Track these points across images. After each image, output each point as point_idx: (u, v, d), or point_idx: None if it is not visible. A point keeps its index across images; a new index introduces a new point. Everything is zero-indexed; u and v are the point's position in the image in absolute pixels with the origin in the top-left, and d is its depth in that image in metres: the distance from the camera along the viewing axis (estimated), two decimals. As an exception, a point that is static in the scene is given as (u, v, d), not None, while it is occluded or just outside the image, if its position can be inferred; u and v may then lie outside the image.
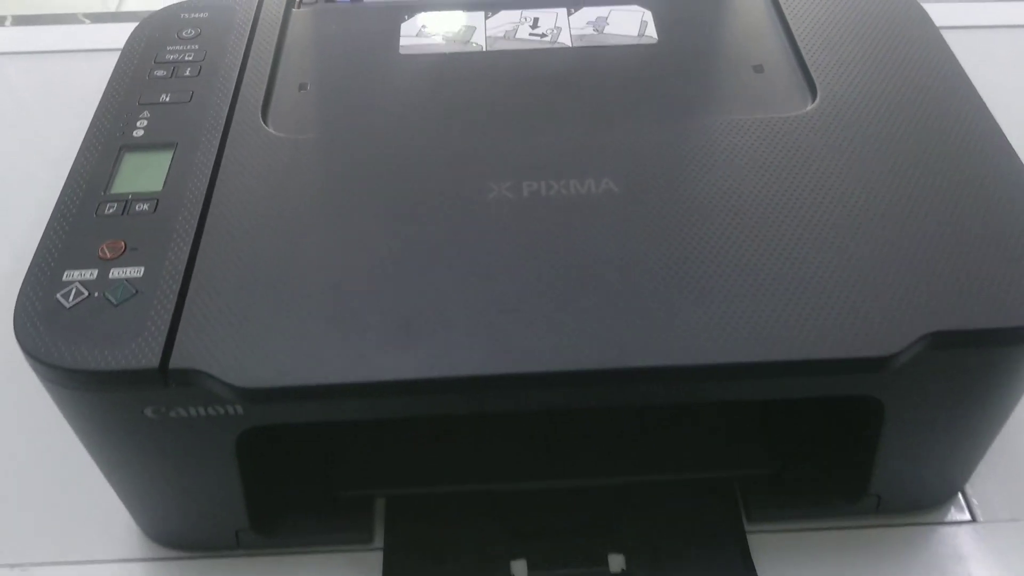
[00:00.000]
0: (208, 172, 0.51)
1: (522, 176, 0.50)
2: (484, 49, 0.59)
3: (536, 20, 0.61)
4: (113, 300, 0.45)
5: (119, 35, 0.62)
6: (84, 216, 0.49)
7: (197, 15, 0.62)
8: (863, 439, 0.51)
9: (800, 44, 0.58)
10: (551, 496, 0.56)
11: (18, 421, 0.61)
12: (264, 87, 0.57)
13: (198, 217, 0.49)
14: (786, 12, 0.61)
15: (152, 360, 0.42)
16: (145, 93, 0.56)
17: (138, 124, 0.54)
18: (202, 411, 0.44)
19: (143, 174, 0.52)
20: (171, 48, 0.59)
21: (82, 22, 0.96)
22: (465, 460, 0.57)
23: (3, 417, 0.62)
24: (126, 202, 0.50)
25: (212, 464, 0.48)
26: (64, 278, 0.46)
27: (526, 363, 0.42)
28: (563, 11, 0.62)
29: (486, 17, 0.62)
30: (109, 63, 0.59)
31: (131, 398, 0.43)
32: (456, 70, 0.58)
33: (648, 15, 0.61)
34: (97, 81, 0.58)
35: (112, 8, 0.88)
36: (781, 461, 0.56)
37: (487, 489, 0.56)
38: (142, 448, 0.47)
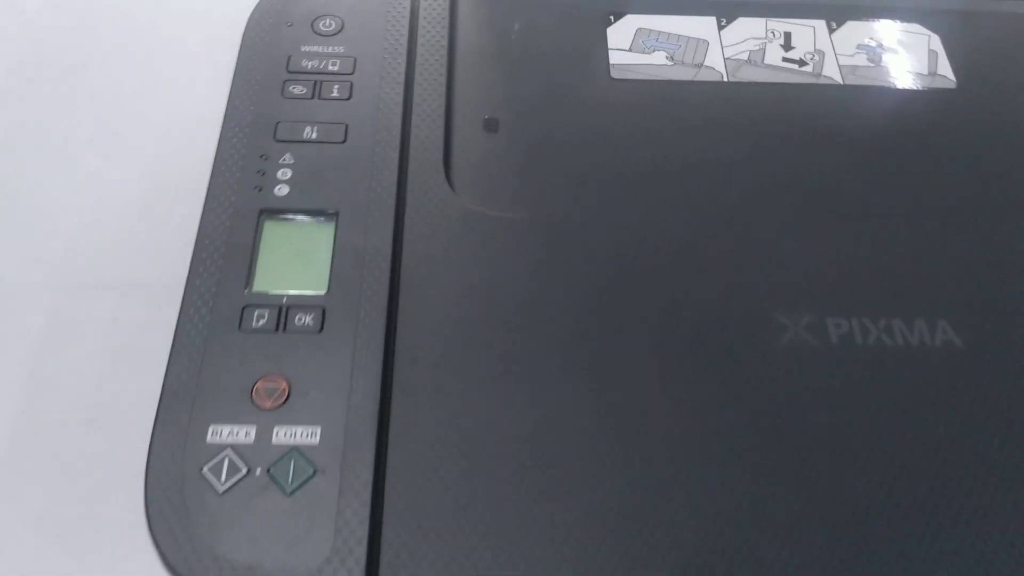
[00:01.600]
0: (386, 267, 0.37)
1: (824, 308, 0.37)
2: (724, 78, 0.45)
3: (788, 37, 0.46)
4: (284, 485, 0.32)
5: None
6: (223, 326, 0.35)
7: (336, -4, 0.46)
8: None
9: None
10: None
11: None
12: (442, 122, 0.42)
13: (382, 342, 0.35)
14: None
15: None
16: (284, 123, 0.41)
17: (279, 174, 0.40)
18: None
19: (298, 262, 0.38)
20: (307, 49, 0.44)
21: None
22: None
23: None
24: (280, 309, 0.36)
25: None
26: (210, 437, 0.33)
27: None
28: (822, 25, 0.47)
29: (719, 26, 0.47)
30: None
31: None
32: (694, 112, 0.43)
33: (936, 41, 0.47)
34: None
35: None
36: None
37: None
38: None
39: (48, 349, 0.41)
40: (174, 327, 0.36)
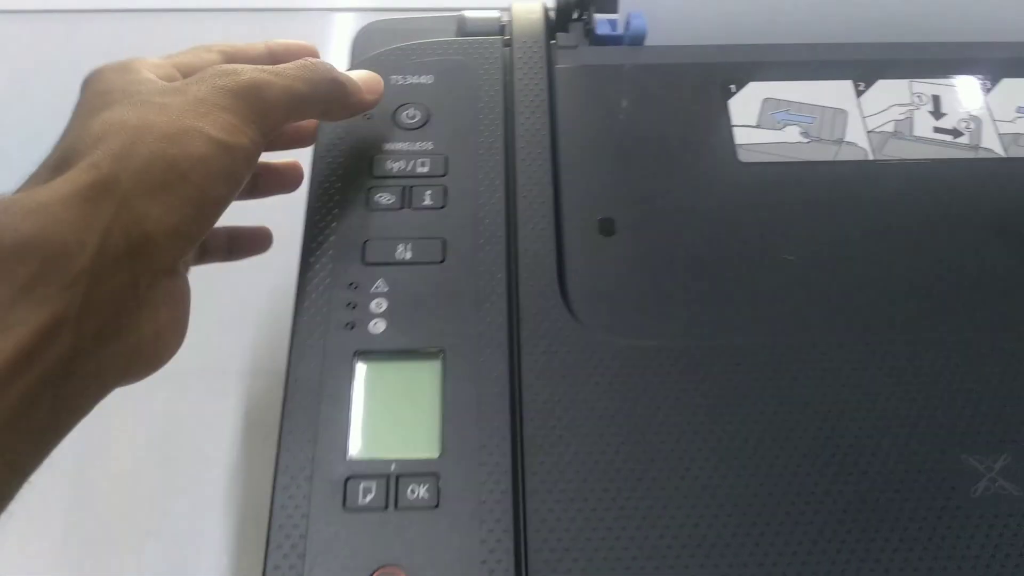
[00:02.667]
0: (506, 416, 0.32)
1: (1021, 448, 0.31)
2: (869, 156, 0.39)
3: (937, 102, 0.40)
4: None
5: None
6: (325, 504, 0.30)
7: (417, 79, 0.40)
8: None
9: None
10: None
11: None
12: (552, 229, 0.36)
13: (511, 517, 0.30)
14: None
15: None
16: (373, 242, 0.36)
17: (373, 306, 0.34)
18: None
19: (403, 417, 0.32)
20: (392, 147, 0.38)
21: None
22: None
23: None
24: (388, 480, 0.31)
25: None
26: (321, 654, 0.28)
27: None
28: (973, 86, 0.41)
29: (857, 91, 0.41)
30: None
31: None
32: (841, 201, 0.37)
33: (1110, 100, 0.40)
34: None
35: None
36: None
37: None
38: None
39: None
40: (270, 501, 0.31)
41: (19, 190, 0.29)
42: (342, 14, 0.61)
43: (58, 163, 0.29)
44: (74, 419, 0.29)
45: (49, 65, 0.57)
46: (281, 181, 0.40)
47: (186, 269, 0.36)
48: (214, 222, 0.32)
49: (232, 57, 0.37)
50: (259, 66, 0.34)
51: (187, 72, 0.34)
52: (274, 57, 0.37)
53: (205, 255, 0.39)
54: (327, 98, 0.35)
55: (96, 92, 0.32)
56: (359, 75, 0.37)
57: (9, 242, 0.26)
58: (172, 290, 0.31)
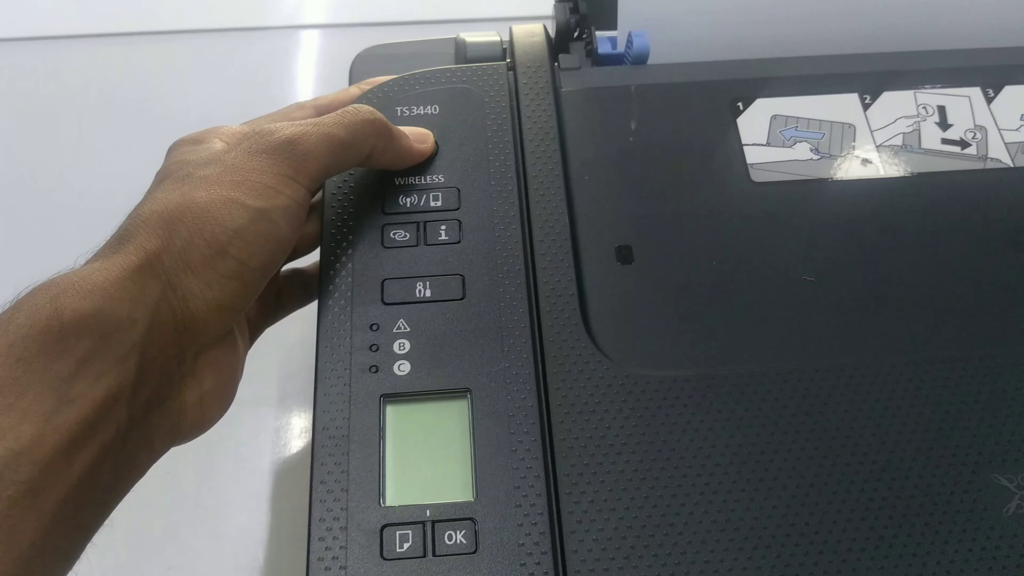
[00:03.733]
0: (539, 460, 0.32)
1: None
2: (880, 172, 0.39)
3: (943, 113, 0.40)
4: None
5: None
6: (363, 555, 0.30)
7: (423, 110, 0.40)
8: None
9: None
10: None
11: None
12: (571, 259, 0.36)
13: (551, 558, 0.30)
14: None
15: None
16: (391, 281, 0.35)
17: (396, 347, 0.34)
18: None
19: (435, 460, 0.32)
20: (403, 181, 0.38)
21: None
22: None
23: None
24: (424, 527, 0.31)
25: None
26: None
27: None
28: (977, 94, 0.41)
29: (864, 104, 0.41)
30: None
31: None
32: (856, 217, 0.37)
33: (1113, 104, 0.41)
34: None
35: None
36: None
37: None
38: None
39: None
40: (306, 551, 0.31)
41: (86, 263, 0.30)
42: (309, 31, 0.60)
43: (118, 242, 0.31)
44: (132, 481, 0.30)
45: (17, 92, 0.57)
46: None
47: (258, 331, 0.38)
48: (260, 289, 0.33)
49: (323, 110, 0.37)
50: (299, 120, 0.34)
51: None
52: None
53: (281, 308, 0.40)
54: (369, 141, 0.35)
55: (165, 167, 0.34)
56: (409, 129, 0.38)
57: (68, 319, 0.28)
58: (218, 359, 0.32)
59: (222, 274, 0.31)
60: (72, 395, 0.27)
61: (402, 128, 0.37)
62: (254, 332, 0.38)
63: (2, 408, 0.26)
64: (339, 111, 0.35)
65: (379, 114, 0.36)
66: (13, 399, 0.26)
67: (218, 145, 0.34)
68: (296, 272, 0.40)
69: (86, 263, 0.31)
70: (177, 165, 0.33)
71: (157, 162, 0.35)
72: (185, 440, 0.33)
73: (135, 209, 0.32)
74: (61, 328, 0.27)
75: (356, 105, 0.35)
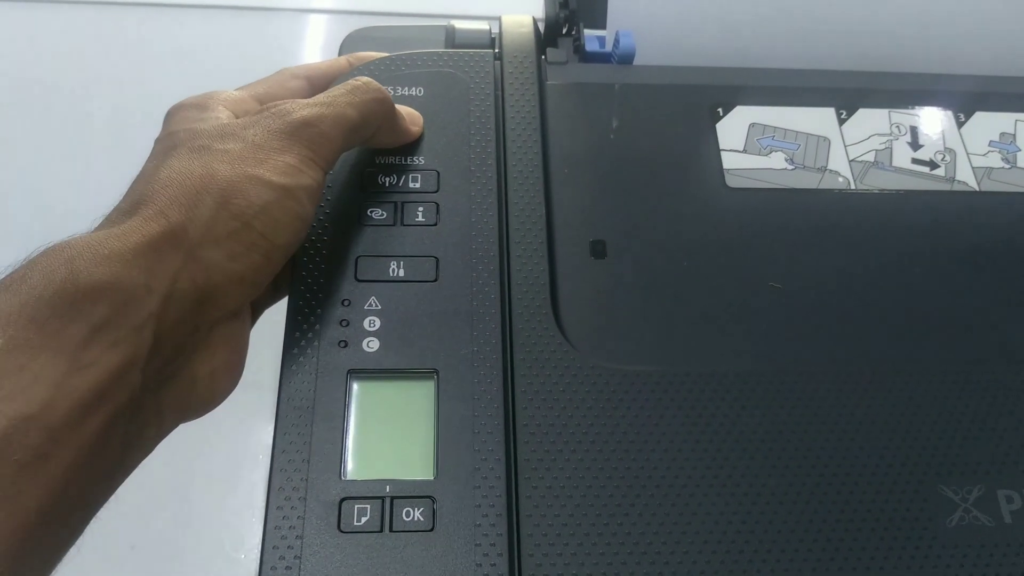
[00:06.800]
0: (500, 443, 0.32)
1: (994, 480, 0.33)
2: (851, 185, 0.40)
3: (915, 133, 0.41)
4: None
5: None
6: (320, 526, 0.30)
7: (408, 91, 0.40)
8: None
9: None
10: None
11: None
12: (544, 250, 0.37)
13: (506, 540, 0.30)
14: None
15: None
16: (365, 259, 0.36)
17: (366, 323, 0.34)
18: None
19: (398, 437, 0.32)
20: (383, 161, 0.38)
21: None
22: None
23: None
24: (383, 502, 0.31)
25: None
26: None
27: None
28: (949, 118, 0.42)
29: (840, 120, 0.42)
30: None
31: None
32: (825, 229, 0.38)
33: (1077, 136, 0.42)
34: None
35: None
36: None
37: None
38: None
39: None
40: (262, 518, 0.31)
41: (97, 230, 0.30)
42: (317, 16, 0.60)
43: (131, 208, 0.30)
44: (140, 456, 0.30)
45: (27, 54, 0.56)
46: None
47: (258, 311, 0.37)
48: (279, 267, 0.33)
49: (315, 81, 0.38)
50: (310, 99, 0.34)
51: (269, 102, 0.35)
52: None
53: (278, 291, 0.39)
54: (377, 122, 0.35)
55: (170, 131, 0.33)
56: (402, 110, 0.38)
57: (84, 285, 0.27)
58: (231, 334, 0.32)
59: (248, 247, 0.31)
60: (85, 361, 0.27)
61: (399, 107, 0.38)
62: (257, 311, 0.38)
63: (13, 369, 0.26)
64: (349, 87, 0.35)
65: (386, 92, 0.36)
66: (25, 360, 0.26)
67: (223, 114, 0.34)
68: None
69: (100, 226, 0.30)
70: (189, 134, 0.32)
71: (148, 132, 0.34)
72: (194, 416, 0.32)
73: (146, 173, 0.32)
74: (76, 292, 0.27)
75: (364, 80, 0.35)
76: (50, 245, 0.29)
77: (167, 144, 0.33)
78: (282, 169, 0.32)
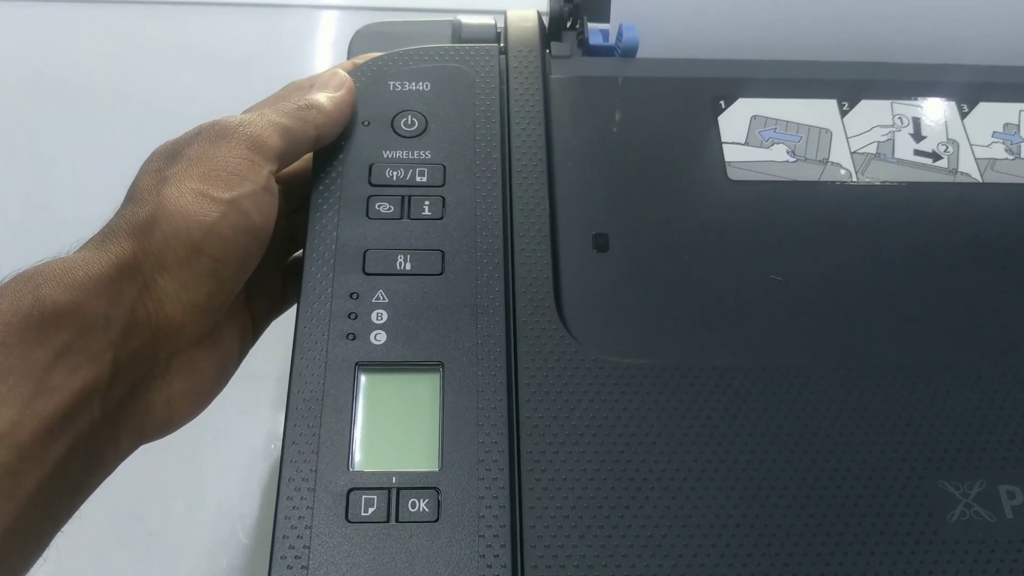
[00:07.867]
0: (504, 436, 0.33)
1: (996, 475, 0.33)
2: (853, 177, 0.40)
3: (918, 125, 0.42)
4: None
5: None
6: (328, 516, 0.31)
7: (414, 86, 0.41)
8: None
9: None
10: None
11: None
12: (548, 243, 0.37)
13: (509, 532, 0.31)
14: None
15: None
16: (373, 252, 0.36)
17: (373, 316, 0.35)
18: None
19: (404, 429, 0.33)
20: (390, 155, 0.39)
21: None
22: None
23: None
24: (389, 493, 0.32)
25: None
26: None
27: None
28: (951, 109, 0.42)
29: (842, 111, 0.42)
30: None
31: None
32: (827, 221, 0.39)
33: (1081, 126, 0.42)
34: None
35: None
36: None
37: None
38: None
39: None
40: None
41: (73, 253, 0.31)
42: (328, 12, 0.61)
43: (103, 237, 0.31)
44: (100, 477, 0.31)
45: (35, 53, 0.57)
46: None
47: (266, 321, 0.38)
48: (236, 289, 0.33)
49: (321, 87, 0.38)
50: (257, 111, 0.35)
51: None
52: None
53: (286, 300, 0.40)
54: (313, 128, 0.36)
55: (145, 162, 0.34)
56: (321, 82, 0.38)
57: (49, 310, 0.28)
58: (193, 361, 0.33)
59: (198, 274, 0.31)
60: (50, 384, 0.28)
61: (317, 81, 0.38)
62: (260, 325, 0.39)
63: None
64: (292, 101, 0.36)
65: (327, 102, 0.37)
66: None
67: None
68: (300, 262, 0.41)
69: (73, 253, 0.31)
70: (152, 159, 0.34)
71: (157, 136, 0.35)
72: (151, 439, 0.33)
73: (123, 204, 0.33)
74: (42, 318, 0.28)
75: (312, 97, 0.36)
76: (20, 271, 0.30)
77: (139, 172, 0.34)
78: (224, 179, 0.32)
